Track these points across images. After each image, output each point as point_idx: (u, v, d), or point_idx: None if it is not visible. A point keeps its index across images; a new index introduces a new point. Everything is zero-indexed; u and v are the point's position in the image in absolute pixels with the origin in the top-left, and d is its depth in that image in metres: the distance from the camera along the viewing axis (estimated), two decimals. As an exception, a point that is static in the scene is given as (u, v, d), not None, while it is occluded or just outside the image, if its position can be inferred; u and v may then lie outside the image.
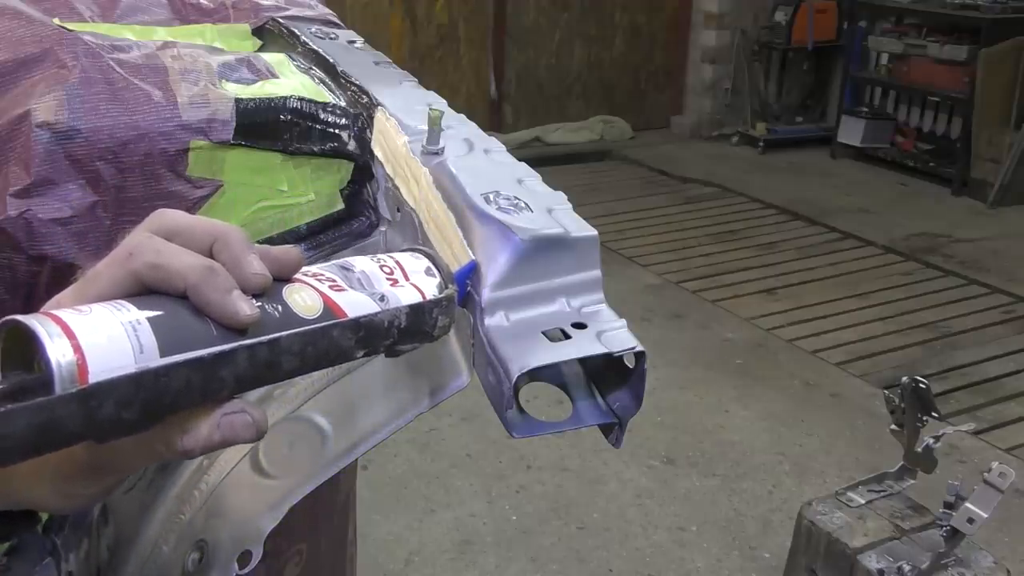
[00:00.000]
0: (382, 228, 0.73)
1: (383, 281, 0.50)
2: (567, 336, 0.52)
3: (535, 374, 0.52)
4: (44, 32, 0.69)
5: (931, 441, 1.55)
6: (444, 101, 0.77)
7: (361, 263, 0.50)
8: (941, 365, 3.57)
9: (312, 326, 0.45)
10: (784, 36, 6.41)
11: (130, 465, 0.46)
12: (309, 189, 0.75)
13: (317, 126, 0.75)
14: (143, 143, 0.68)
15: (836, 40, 6.48)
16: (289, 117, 0.73)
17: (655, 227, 5.07)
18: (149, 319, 0.40)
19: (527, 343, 0.51)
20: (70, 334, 0.38)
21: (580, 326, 0.53)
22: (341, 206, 0.77)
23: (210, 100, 0.70)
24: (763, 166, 6.21)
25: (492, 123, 6.20)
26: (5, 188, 0.65)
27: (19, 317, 0.38)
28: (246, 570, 0.57)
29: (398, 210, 0.70)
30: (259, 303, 0.44)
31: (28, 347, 0.38)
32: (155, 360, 0.39)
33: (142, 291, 0.43)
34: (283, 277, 0.46)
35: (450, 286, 0.52)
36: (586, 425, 0.56)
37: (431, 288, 0.51)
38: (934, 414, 1.52)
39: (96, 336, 0.38)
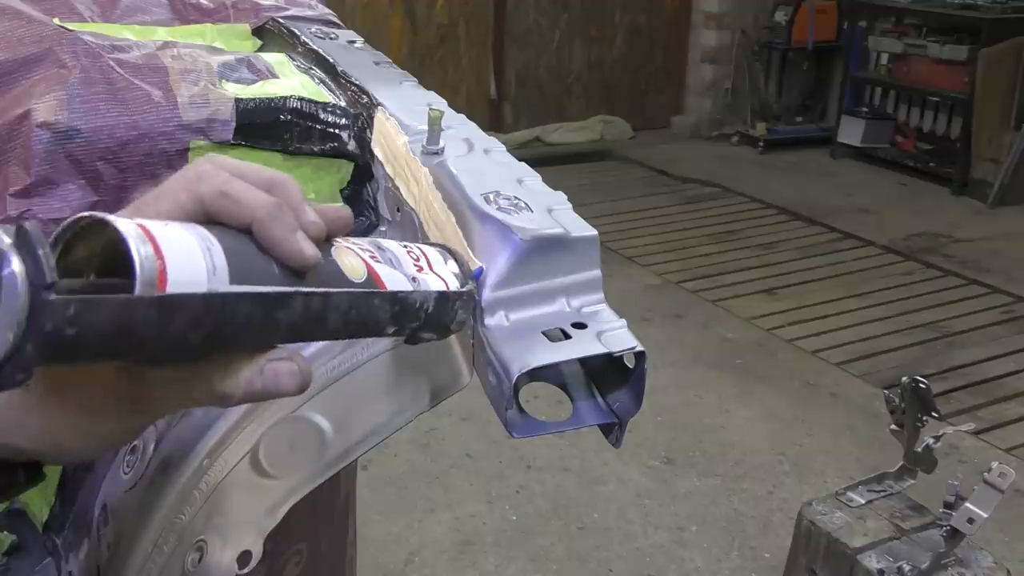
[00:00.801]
0: (382, 228, 0.73)
1: (411, 266, 0.50)
2: (567, 336, 0.52)
3: (535, 374, 0.52)
4: (44, 32, 0.69)
5: (931, 441, 1.55)
6: (444, 101, 0.77)
7: (390, 245, 0.51)
8: (941, 365, 3.57)
9: (359, 290, 0.45)
10: (784, 36, 6.41)
11: (164, 406, 0.44)
12: (309, 189, 0.75)
13: (317, 126, 0.75)
14: (143, 143, 0.68)
15: (836, 40, 6.48)
16: (289, 117, 0.73)
17: (655, 227, 5.07)
18: (224, 247, 0.40)
19: (527, 343, 0.51)
20: (153, 241, 0.37)
21: (580, 326, 0.53)
22: (341, 206, 0.77)
23: (210, 100, 0.70)
24: (763, 166, 6.21)
25: (492, 123, 6.20)
26: (5, 188, 0.65)
27: (108, 216, 0.37)
28: (246, 570, 0.57)
29: (398, 210, 0.70)
30: None
31: (107, 249, 0.38)
32: (224, 286, 0.39)
33: (205, 219, 0.42)
34: (332, 236, 0.46)
35: (470, 282, 0.53)
36: (586, 425, 0.56)
37: (453, 281, 0.52)
38: (934, 414, 1.52)
39: (177, 248, 0.38)
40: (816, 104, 6.87)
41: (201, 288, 0.38)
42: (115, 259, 0.37)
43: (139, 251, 0.36)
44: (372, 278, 0.46)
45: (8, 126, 0.65)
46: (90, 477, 0.71)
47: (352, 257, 0.47)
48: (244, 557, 0.58)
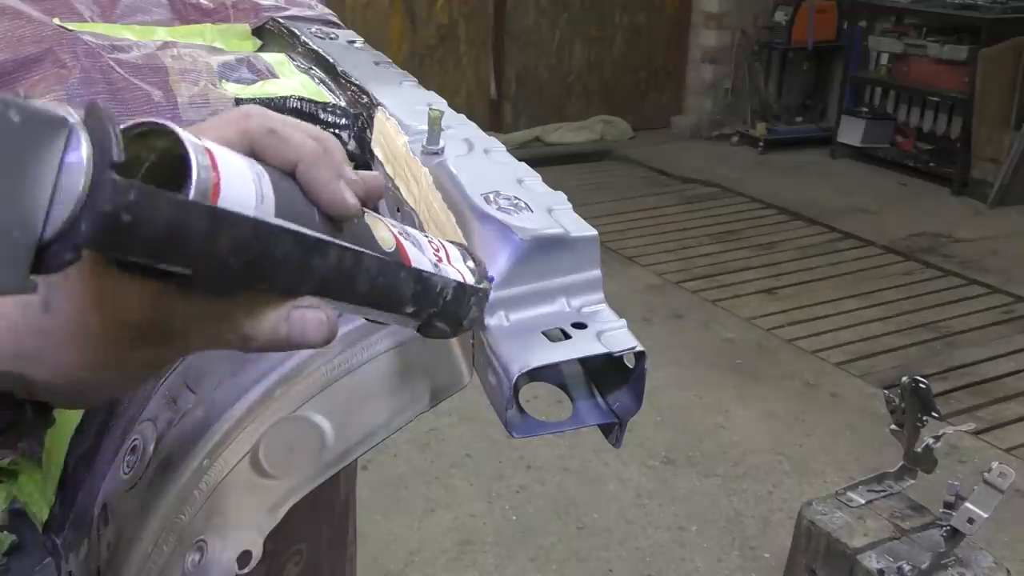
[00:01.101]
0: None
1: (432, 254, 0.51)
2: (567, 336, 0.52)
3: (535, 374, 0.52)
4: (44, 32, 0.69)
5: (931, 441, 1.55)
6: (444, 101, 0.77)
7: (414, 232, 0.51)
8: (941, 365, 3.57)
9: (389, 259, 0.46)
10: (784, 36, 6.41)
11: (189, 343, 0.42)
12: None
13: (317, 126, 0.75)
14: (143, 143, 0.67)
15: (836, 40, 6.48)
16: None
17: (655, 227, 5.07)
18: (272, 179, 0.40)
19: (527, 343, 0.51)
20: (211, 155, 0.37)
21: (580, 326, 0.53)
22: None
23: (210, 100, 0.70)
24: (763, 166, 6.21)
25: (492, 123, 6.20)
26: (5, 188, 0.65)
27: (171, 124, 0.37)
28: (246, 570, 0.57)
29: (398, 210, 0.70)
30: None
31: (163, 160, 0.38)
32: (271, 217, 0.39)
33: (250, 154, 0.42)
34: (365, 203, 0.46)
35: (485, 282, 0.53)
36: (586, 425, 0.56)
37: (470, 277, 0.52)
38: (934, 414, 1.52)
39: (231, 168, 0.38)
40: (816, 104, 6.88)
41: (250, 211, 0.38)
42: (171, 169, 0.37)
43: (197, 160, 0.36)
44: (400, 251, 0.47)
45: (8, 126, 0.65)
46: (90, 477, 0.71)
47: (383, 228, 0.47)
48: (244, 557, 0.58)
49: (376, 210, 0.49)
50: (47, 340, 0.40)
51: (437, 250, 0.51)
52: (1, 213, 0.31)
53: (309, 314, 0.42)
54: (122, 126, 0.36)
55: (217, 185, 0.36)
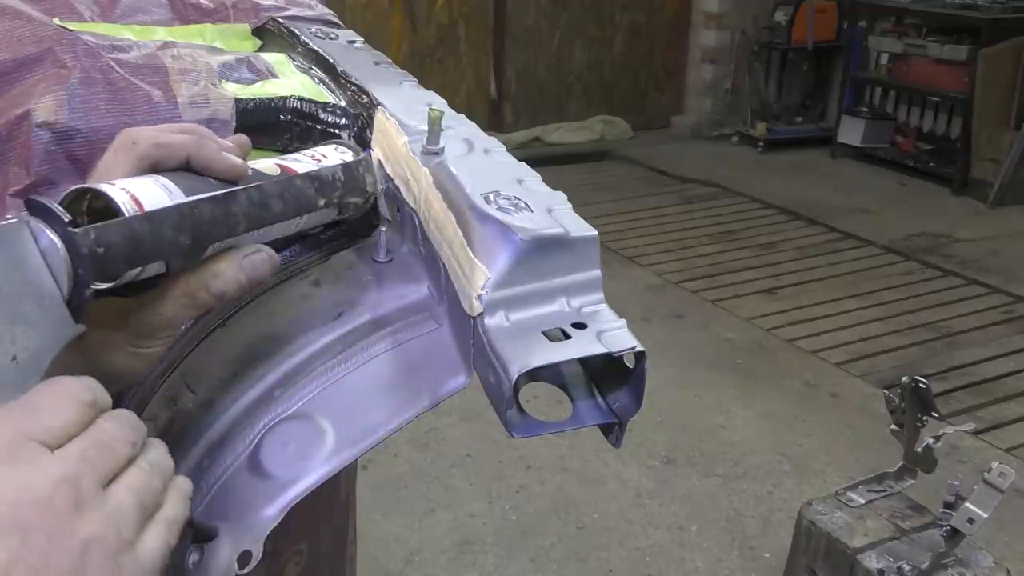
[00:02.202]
0: (382, 228, 0.73)
1: (311, 159, 0.65)
2: (567, 336, 0.52)
3: (535, 374, 0.51)
4: (44, 32, 0.69)
5: (931, 441, 1.55)
6: (444, 101, 0.77)
7: (290, 154, 0.65)
8: (941, 365, 3.57)
9: (280, 177, 0.60)
10: (784, 36, 6.41)
11: (180, 315, 0.55)
12: (309, 189, 0.75)
13: (317, 126, 0.75)
14: (143, 143, 0.68)
15: (836, 40, 6.48)
16: (289, 117, 0.73)
17: (655, 227, 5.07)
18: (168, 178, 0.53)
19: (527, 343, 0.51)
20: (123, 189, 0.50)
21: (580, 326, 0.53)
22: (341, 206, 0.76)
23: (210, 100, 0.70)
24: (763, 166, 6.21)
25: (492, 123, 6.20)
26: (5, 188, 0.65)
27: (89, 185, 0.50)
28: (246, 570, 0.57)
29: (398, 210, 0.70)
30: None
31: (93, 207, 0.50)
32: (184, 199, 0.52)
33: (150, 172, 0.54)
34: (244, 156, 0.60)
35: (361, 152, 0.69)
36: (586, 425, 0.56)
37: (349, 157, 0.68)
38: (934, 414, 1.52)
39: (139, 188, 0.51)
40: (816, 104, 6.88)
41: (168, 203, 0.51)
42: (104, 212, 0.49)
43: (116, 195, 0.49)
44: (285, 171, 0.61)
45: (8, 126, 0.65)
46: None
47: (264, 164, 0.60)
48: (244, 557, 0.58)
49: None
50: (96, 350, 0.54)
51: (313, 156, 0.65)
52: (29, 300, 0.45)
53: (255, 256, 0.56)
54: (59, 198, 0.49)
55: (137, 200, 0.50)
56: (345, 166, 0.66)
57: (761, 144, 6.46)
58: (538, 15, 6.37)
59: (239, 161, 0.57)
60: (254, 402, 0.66)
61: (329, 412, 0.63)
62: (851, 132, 6.20)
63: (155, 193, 0.51)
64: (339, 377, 0.65)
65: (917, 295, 4.22)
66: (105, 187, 0.50)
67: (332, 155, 0.67)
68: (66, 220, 0.46)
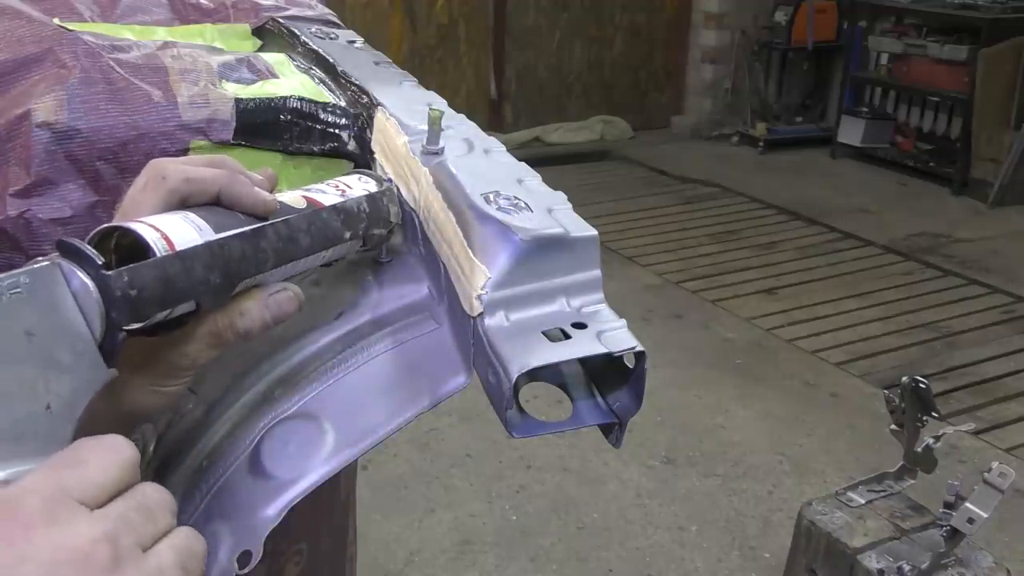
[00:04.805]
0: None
1: (335, 190, 0.64)
2: (567, 336, 0.52)
3: (535, 374, 0.51)
4: (44, 32, 0.69)
5: (931, 441, 1.55)
6: (444, 101, 0.77)
7: (314, 185, 0.64)
8: (941, 365, 3.57)
9: (308, 211, 0.59)
10: (784, 36, 6.41)
11: (203, 354, 0.55)
12: (309, 189, 0.75)
13: (317, 126, 0.75)
14: (143, 143, 0.68)
15: (836, 40, 6.48)
16: (289, 117, 0.73)
17: (655, 227, 5.07)
18: (199, 215, 0.52)
19: (527, 343, 0.51)
20: (153, 226, 0.49)
21: (580, 326, 0.53)
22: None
23: (210, 100, 0.70)
24: (763, 166, 6.21)
25: (492, 123, 6.20)
26: (5, 188, 0.65)
27: (118, 223, 0.49)
28: (246, 570, 0.57)
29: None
30: None
31: (123, 246, 0.49)
32: (214, 236, 0.51)
33: (179, 207, 0.53)
34: (271, 188, 0.60)
35: (385, 184, 0.68)
36: (586, 425, 0.56)
37: (373, 187, 0.67)
38: (934, 414, 1.52)
39: (168, 226, 0.50)
40: (816, 104, 6.87)
41: (199, 241, 0.50)
42: (133, 249, 0.49)
43: (147, 234, 0.48)
44: (311, 203, 0.60)
45: (8, 126, 0.65)
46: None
47: (290, 196, 0.60)
48: (244, 557, 0.58)
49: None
50: (121, 387, 0.53)
51: (337, 187, 0.64)
52: (62, 345, 0.44)
53: (280, 296, 0.56)
54: (88, 237, 0.49)
55: (168, 239, 0.49)
56: (370, 197, 0.65)
57: (761, 144, 6.46)
58: (538, 15, 6.36)
59: (269, 197, 0.56)
60: (254, 402, 0.66)
61: (329, 412, 0.63)
62: (851, 132, 6.20)
63: (186, 231, 0.50)
64: (339, 377, 0.65)
65: (917, 295, 4.21)
66: (135, 226, 0.49)
67: (356, 185, 0.66)
68: (99, 263, 0.45)
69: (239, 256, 0.52)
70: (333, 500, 1.00)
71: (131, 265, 0.46)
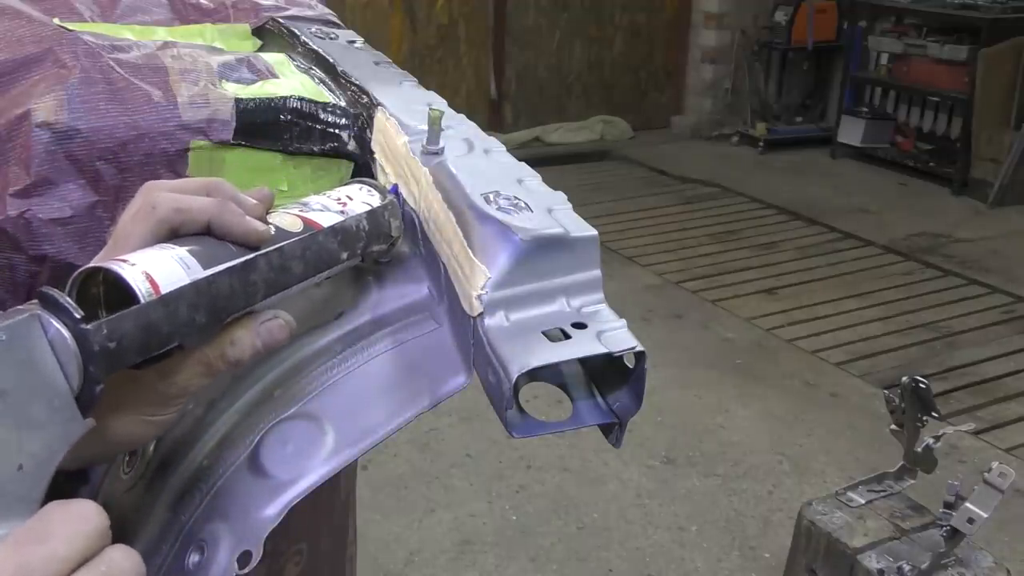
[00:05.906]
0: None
1: (336, 204, 0.61)
2: (567, 336, 0.52)
3: (535, 374, 0.51)
4: (44, 32, 0.69)
5: (931, 441, 1.55)
6: (444, 101, 0.77)
7: (314, 197, 0.62)
8: (941, 365, 3.57)
9: (303, 235, 0.56)
10: (784, 36, 6.41)
11: (193, 383, 0.54)
12: (309, 189, 0.75)
13: (317, 126, 0.75)
14: (143, 143, 0.68)
15: (836, 40, 6.48)
16: (289, 117, 0.73)
17: (655, 227, 5.07)
18: (187, 249, 0.50)
19: (527, 343, 0.51)
20: (136, 264, 0.48)
21: (580, 326, 0.53)
22: (341, 206, 0.76)
23: (210, 100, 0.70)
24: (763, 166, 6.21)
25: (492, 123, 6.20)
26: (5, 188, 0.65)
27: (99, 264, 0.48)
28: (246, 570, 0.57)
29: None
30: None
31: (109, 286, 0.48)
32: (200, 272, 0.50)
33: (169, 237, 0.52)
34: (266, 209, 0.58)
35: (388, 196, 0.65)
36: (586, 425, 0.55)
37: (376, 201, 0.64)
38: (934, 414, 1.52)
39: (155, 265, 0.48)
40: (816, 104, 6.88)
41: (185, 281, 0.49)
42: (119, 287, 0.47)
43: (132, 278, 0.47)
44: (308, 225, 0.57)
45: (8, 126, 0.65)
46: (90, 477, 0.71)
47: (285, 217, 0.57)
48: (244, 557, 0.58)
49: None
50: (109, 419, 0.52)
51: (339, 199, 0.62)
52: (38, 402, 0.43)
53: (271, 324, 0.55)
54: (68, 281, 0.48)
55: (153, 281, 0.47)
56: (371, 213, 0.62)
57: (761, 144, 6.46)
58: (538, 15, 6.36)
59: (260, 226, 0.54)
60: (254, 402, 0.66)
61: (329, 412, 0.63)
62: (851, 132, 6.20)
63: (172, 271, 0.49)
64: (339, 377, 0.65)
65: (917, 295, 4.22)
66: (119, 268, 0.47)
67: (357, 196, 0.63)
68: (78, 316, 0.44)
69: (227, 293, 0.51)
70: (333, 500, 1.00)
71: (111, 316, 0.45)
